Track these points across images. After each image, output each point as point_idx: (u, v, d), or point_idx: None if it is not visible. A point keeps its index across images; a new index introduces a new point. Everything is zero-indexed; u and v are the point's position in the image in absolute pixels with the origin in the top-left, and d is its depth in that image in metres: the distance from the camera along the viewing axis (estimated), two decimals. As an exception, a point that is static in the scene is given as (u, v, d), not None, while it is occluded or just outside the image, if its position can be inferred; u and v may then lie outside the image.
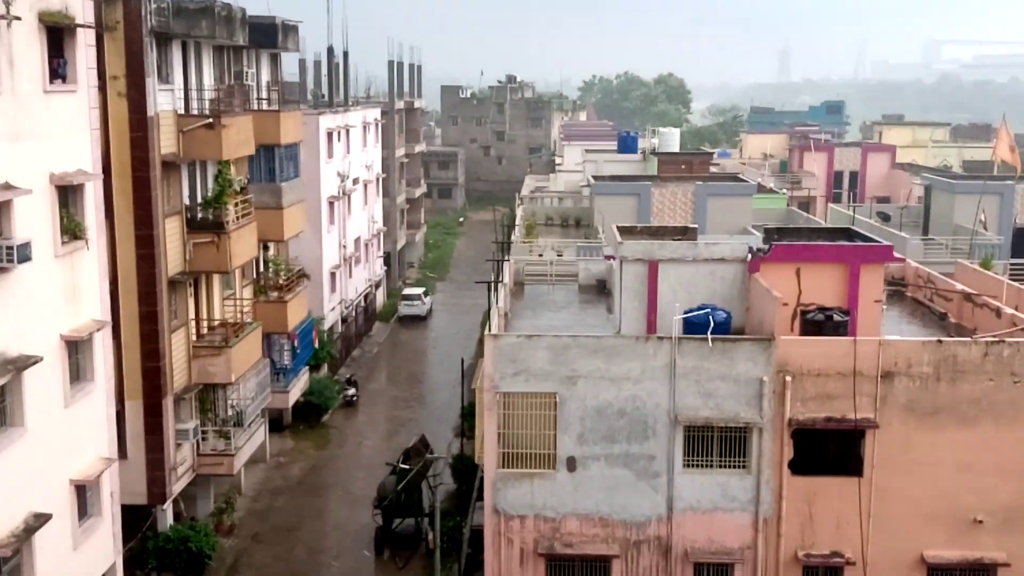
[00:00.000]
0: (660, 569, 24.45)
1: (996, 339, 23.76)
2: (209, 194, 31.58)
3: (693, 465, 24.04)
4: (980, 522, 23.92)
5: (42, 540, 21.42)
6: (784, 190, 56.40)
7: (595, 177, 47.51)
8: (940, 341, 23.72)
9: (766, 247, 25.46)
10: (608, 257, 33.44)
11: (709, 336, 23.54)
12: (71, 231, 23.11)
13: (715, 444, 24.03)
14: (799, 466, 23.92)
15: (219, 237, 30.28)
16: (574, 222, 45.82)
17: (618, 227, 27.76)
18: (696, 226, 28.60)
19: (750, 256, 25.38)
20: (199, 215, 30.97)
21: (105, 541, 24.69)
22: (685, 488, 24.09)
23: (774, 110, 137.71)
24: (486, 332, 24.52)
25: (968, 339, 23.98)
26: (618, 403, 23.91)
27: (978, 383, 23.50)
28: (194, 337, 30.96)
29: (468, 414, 36.23)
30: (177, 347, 29.51)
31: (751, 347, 23.64)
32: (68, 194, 23.20)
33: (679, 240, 26.36)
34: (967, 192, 42.43)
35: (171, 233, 29.13)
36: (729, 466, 24.07)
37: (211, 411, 31.94)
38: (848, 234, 27.79)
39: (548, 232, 44.17)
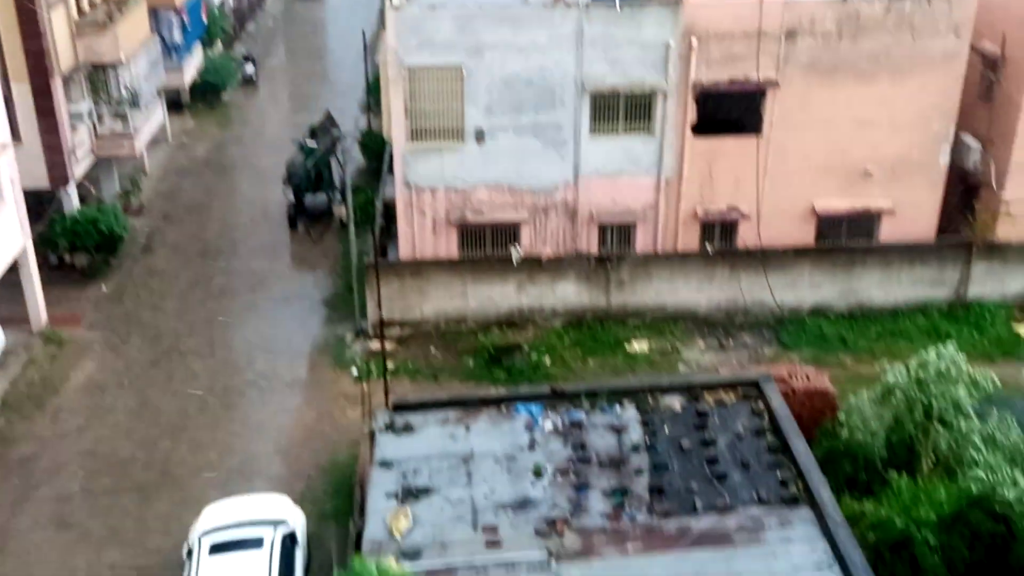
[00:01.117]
0: (567, 232, 25.54)
1: (899, -5, 23.84)
2: None
3: (599, 131, 24.48)
4: (869, 174, 25.25)
5: (-53, 230, 21.23)
6: None
7: None
8: (844, -1, 23.74)
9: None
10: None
11: (617, 0, 23.11)
12: None
13: (621, 111, 24.34)
14: (702, 128, 24.56)
15: (87, -99, 27.80)
16: None
17: None
18: None
19: (659, -88, 24.35)
20: None
21: (11, 226, 24.53)
22: (591, 154, 24.65)
23: None
24: (387, 2, 23.61)
25: (872, -4, 24.01)
26: (525, 73, 23.76)
27: (878, 40, 23.89)
28: (76, 15, 29.17)
29: (373, 89, 35.63)
30: (58, 25, 27.82)
31: (659, 11, 23.35)
32: None
33: None
34: None
35: None
36: (634, 131, 24.56)
37: (104, 92, 30.78)
38: None
39: None
